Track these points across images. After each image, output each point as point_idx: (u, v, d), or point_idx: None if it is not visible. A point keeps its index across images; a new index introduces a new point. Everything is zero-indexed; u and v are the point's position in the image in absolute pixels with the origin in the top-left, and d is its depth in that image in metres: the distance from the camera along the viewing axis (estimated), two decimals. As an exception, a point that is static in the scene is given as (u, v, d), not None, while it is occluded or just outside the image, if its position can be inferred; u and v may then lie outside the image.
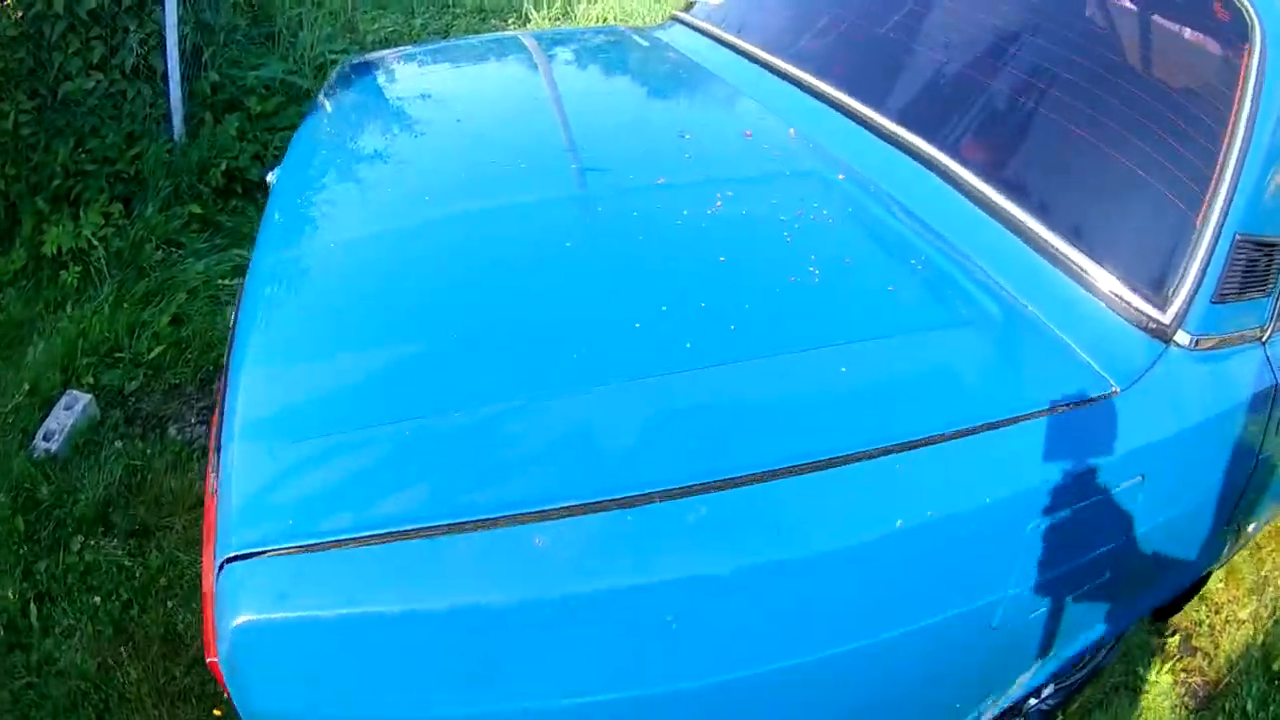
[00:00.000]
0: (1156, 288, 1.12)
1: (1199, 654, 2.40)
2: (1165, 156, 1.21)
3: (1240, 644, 2.51)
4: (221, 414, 0.85)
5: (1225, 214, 1.14)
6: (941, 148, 1.31)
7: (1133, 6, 1.43)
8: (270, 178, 1.30)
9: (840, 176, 1.28)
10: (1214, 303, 1.14)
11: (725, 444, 0.79)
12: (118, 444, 1.94)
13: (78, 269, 2.39)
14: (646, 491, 0.73)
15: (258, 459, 0.76)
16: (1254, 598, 2.68)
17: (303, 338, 0.90)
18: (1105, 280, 1.14)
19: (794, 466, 0.78)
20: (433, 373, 0.83)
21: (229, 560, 0.70)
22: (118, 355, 2.16)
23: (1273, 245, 1.24)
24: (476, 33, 4.65)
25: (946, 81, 1.44)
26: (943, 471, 0.85)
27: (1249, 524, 1.67)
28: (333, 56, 3.39)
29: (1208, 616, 2.54)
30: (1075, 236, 1.17)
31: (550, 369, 0.82)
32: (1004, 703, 1.23)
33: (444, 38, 4.35)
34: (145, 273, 2.44)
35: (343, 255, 1.00)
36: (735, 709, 0.80)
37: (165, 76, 2.80)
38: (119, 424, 2.00)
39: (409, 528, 0.69)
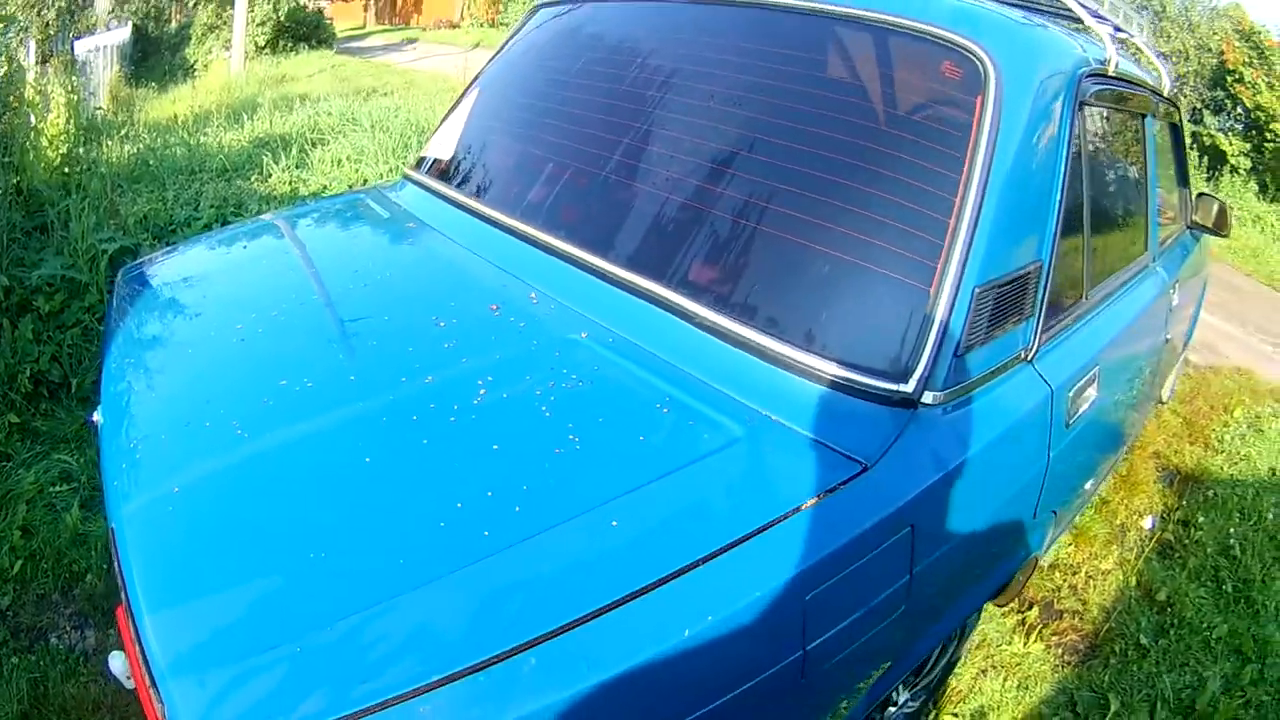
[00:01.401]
0: (894, 364, 1.23)
1: (1065, 615, 2.56)
2: (894, 243, 1.31)
3: (1112, 590, 2.71)
4: (140, 650, 0.91)
5: (961, 273, 1.25)
6: (668, 285, 1.40)
7: (854, 101, 1.53)
8: (96, 417, 1.31)
9: (583, 335, 1.36)
10: (959, 355, 1.26)
11: (539, 605, 0.90)
12: (13, 659, 1.98)
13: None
14: (490, 656, 0.86)
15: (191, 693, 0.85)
16: (1114, 547, 2.92)
17: (186, 580, 0.97)
18: (840, 373, 1.23)
19: (595, 610, 0.90)
20: (300, 593, 0.93)
21: None
22: (-19, 575, 2.19)
23: (1019, 277, 1.38)
24: (221, 191, 5.06)
25: (666, 218, 1.52)
26: (715, 583, 0.97)
27: (1063, 510, 1.85)
28: (103, 247, 3.46)
29: (1065, 580, 2.72)
30: (807, 341, 1.27)
31: (390, 573, 0.93)
32: None
33: (195, 209, 4.67)
34: (-16, 487, 2.45)
35: (185, 500, 1.06)
36: None
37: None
38: (6, 640, 2.04)
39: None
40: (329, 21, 20.77)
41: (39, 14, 11.45)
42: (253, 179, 5.50)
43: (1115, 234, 2.07)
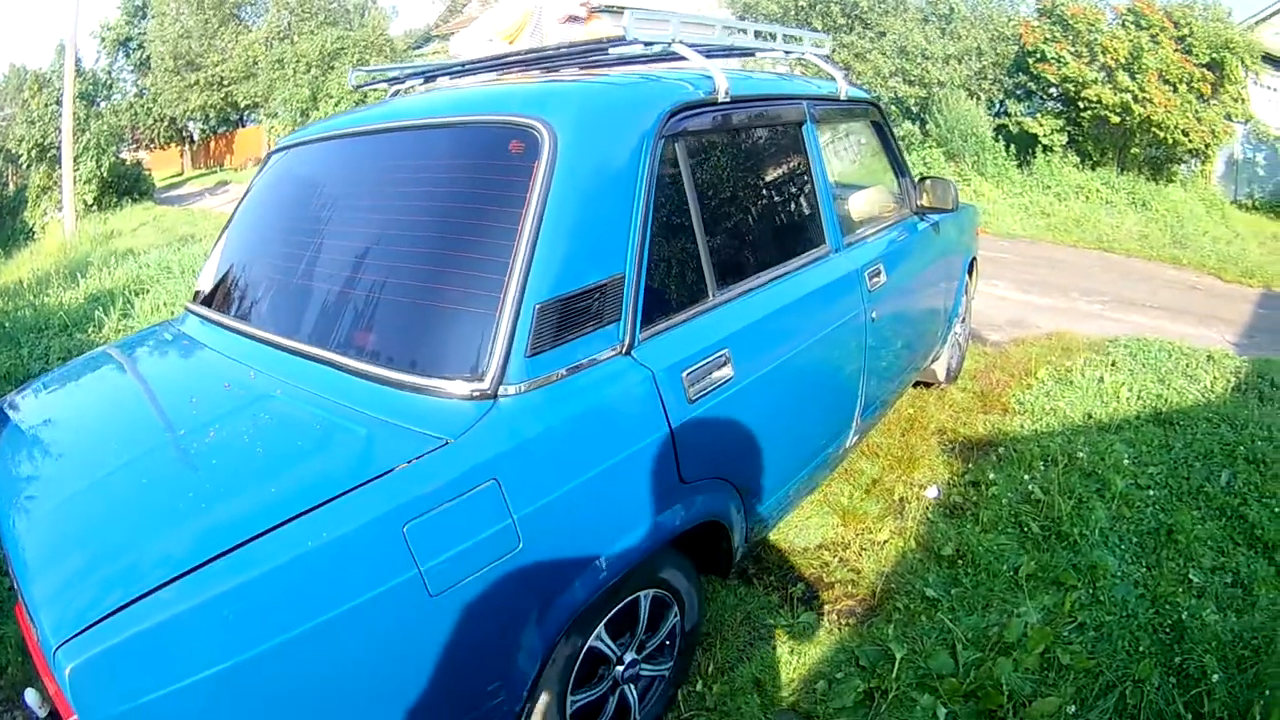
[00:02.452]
0: (472, 370, 1.65)
1: (837, 586, 2.75)
2: (471, 284, 1.75)
3: (889, 557, 2.90)
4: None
5: (521, 295, 1.66)
6: (329, 348, 1.87)
7: (450, 175, 2.02)
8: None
9: (278, 391, 1.83)
10: (531, 356, 1.66)
11: (234, 527, 1.37)
12: None
13: None
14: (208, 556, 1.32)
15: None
16: (889, 519, 3.14)
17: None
18: (437, 383, 1.66)
19: (269, 528, 1.36)
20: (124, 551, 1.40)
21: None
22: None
23: (591, 292, 1.77)
24: (65, 345, 5.89)
25: (326, 299, 2.03)
26: (341, 512, 1.41)
27: (739, 481, 2.17)
28: None
29: (834, 556, 2.92)
30: (411, 367, 1.71)
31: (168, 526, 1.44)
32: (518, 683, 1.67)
33: (45, 362, 5.51)
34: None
35: (52, 515, 1.65)
36: None
37: None
38: None
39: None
40: (148, 173, 22.27)
41: None
42: (89, 331, 6.26)
43: (759, 236, 2.47)
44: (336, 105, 20.60)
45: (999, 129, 13.46)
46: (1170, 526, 3.00)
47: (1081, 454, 3.53)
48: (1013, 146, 13.11)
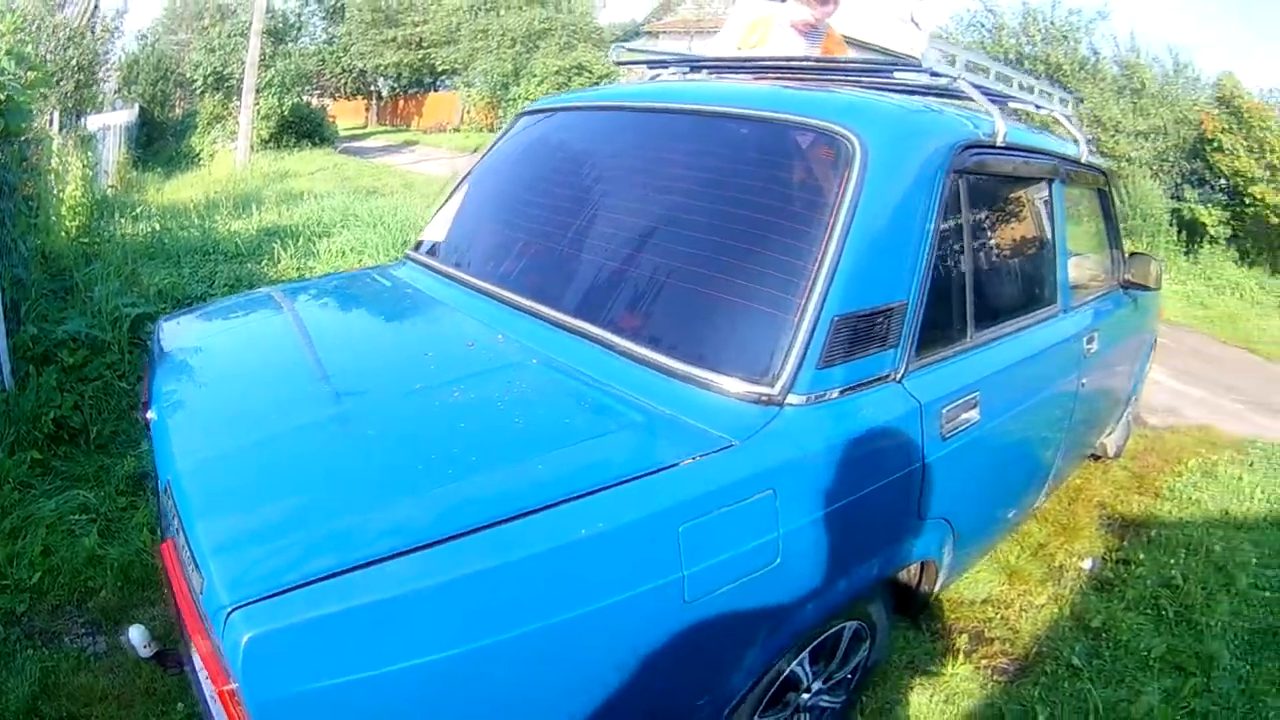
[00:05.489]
0: (763, 373, 1.67)
1: (995, 642, 2.84)
2: (771, 286, 1.76)
3: (1044, 621, 2.99)
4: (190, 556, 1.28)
5: (822, 306, 1.69)
6: (594, 322, 1.88)
7: (754, 169, 2.02)
8: (150, 415, 1.76)
9: (534, 361, 1.83)
10: (821, 369, 1.68)
11: (489, 506, 1.31)
12: (28, 651, 2.35)
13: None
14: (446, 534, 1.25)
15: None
16: (1049, 584, 3.23)
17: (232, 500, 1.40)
18: (719, 381, 1.68)
19: (530, 510, 1.31)
20: (325, 507, 1.34)
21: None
22: (3, 583, 2.58)
23: (881, 312, 1.80)
24: (235, 271, 5.81)
25: (600, 277, 2.03)
26: (615, 501, 1.38)
27: (960, 522, 2.20)
28: (126, 311, 4.02)
29: (996, 613, 3.01)
30: (698, 360, 1.72)
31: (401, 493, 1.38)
32: (730, 694, 1.69)
33: (210, 285, 5.43)
34: (6, 511, 2.88)
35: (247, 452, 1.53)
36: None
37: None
38: (19, 639, 2.41)
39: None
40: (331, 120, 22.35)
41: (58, 84, 12.18)
42: (263, 263, 6.22)
43: (1008, 284, 2.49)
44: (541, 85, 20.79)
45: (1173, 213, 13.25)
46: (1276, 629, 3.06)
47: (1217, 547, 3.58)
48: (1184, 233, 12.93)
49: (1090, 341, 2.85)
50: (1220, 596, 3.19)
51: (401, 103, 34.17)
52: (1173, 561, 3.41)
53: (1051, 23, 14.91)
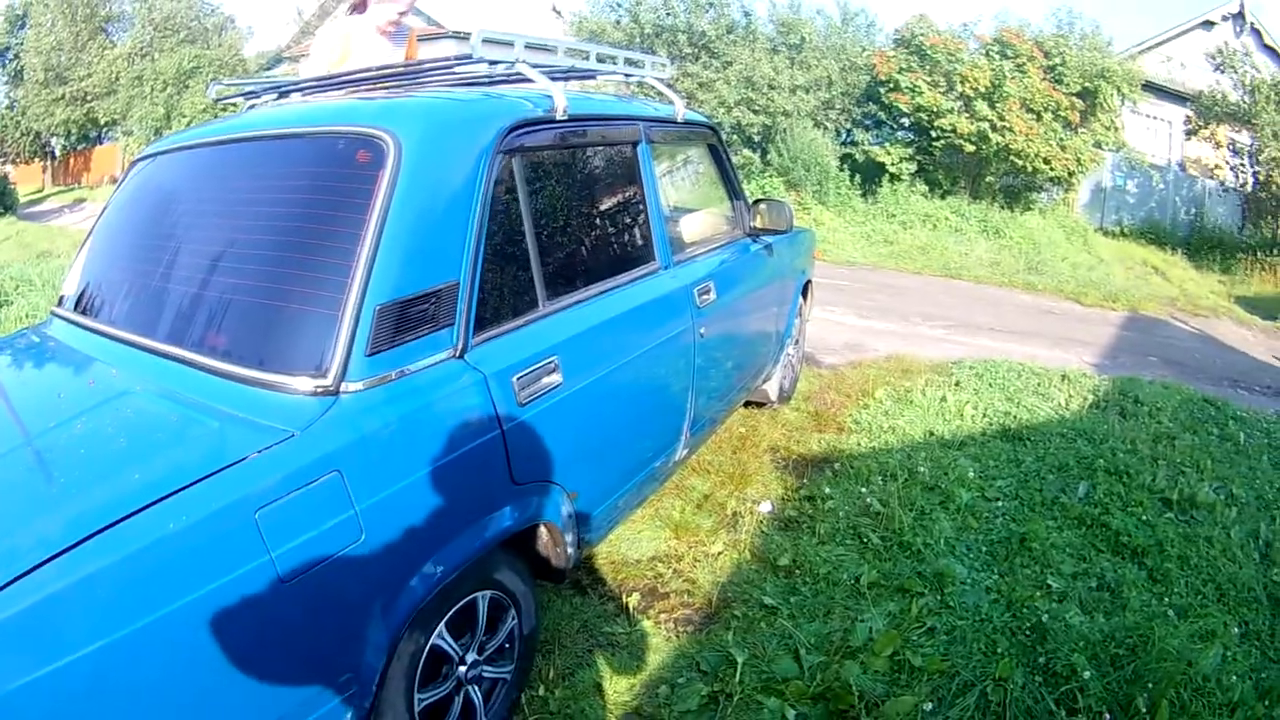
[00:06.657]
0: (317, 367, 1.79)
1: (672, 596, 2.85)
2: (318, 286, 1.88)
3: (724, 568, 3.02)
4: None
5: (362, 297, 1.80)
6: (180, 345, 2.00)
7: (301, 181, 2.15)
8: None
9: (139, 388, 1.93)
10: (371, 355, 1.80)
11: (100, 507, 1.44)
12: None
13: None
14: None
15: None
16: (722, 533, 3.26)
17: None
18: (283, 380, 1.79)
19: (127, 515, 1.42)
20: None
21: None
22: None
23: (428, 296, 1.90)
24: None
25: (180, 302, 2.15)
26: (199, 496, 1.50)
27: (573, 485, 2.31)
28: None
29: (667, 568, 3.03)
30: (263, 364, 1.84)
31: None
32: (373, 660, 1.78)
33: None
34: None
35: None
36: None
37: None
38: None
39: None
40: (13, 186, 21.89)
41: None
42: None
43: (588, 250, 2.65)
44: (189, 124, 20.23)
45: (844, 158, 13.93)
46: (1023, 535, 3.23)
47: (923, 469, 3.76)
48: (858, 176, 13.60)
49: (706, 292, 3.03)
50: (938, 515, 3.33)
51: (72, 160, 33.09)
52: (866, 491, 3.52)
53: (693, -10, 15.07)
